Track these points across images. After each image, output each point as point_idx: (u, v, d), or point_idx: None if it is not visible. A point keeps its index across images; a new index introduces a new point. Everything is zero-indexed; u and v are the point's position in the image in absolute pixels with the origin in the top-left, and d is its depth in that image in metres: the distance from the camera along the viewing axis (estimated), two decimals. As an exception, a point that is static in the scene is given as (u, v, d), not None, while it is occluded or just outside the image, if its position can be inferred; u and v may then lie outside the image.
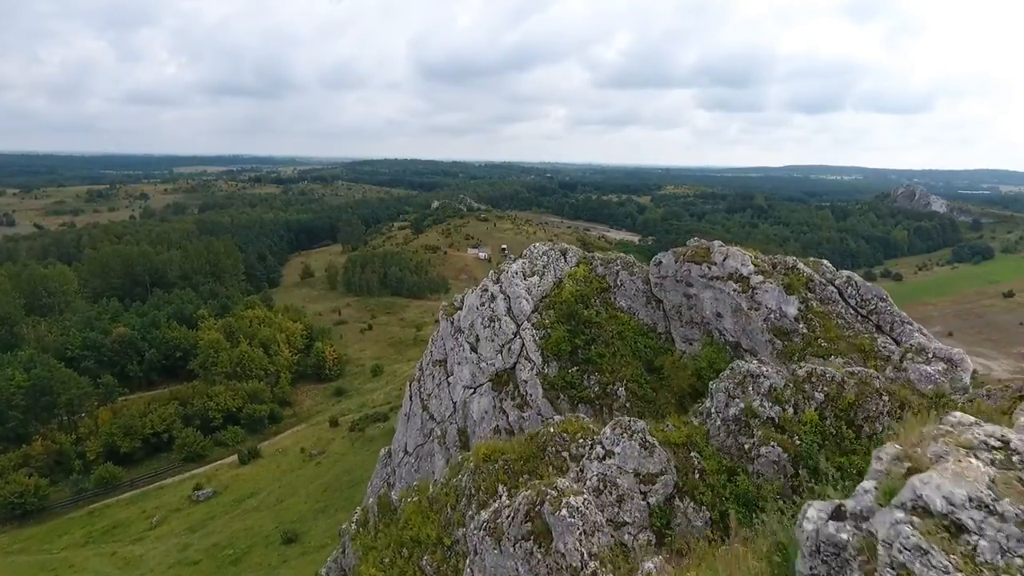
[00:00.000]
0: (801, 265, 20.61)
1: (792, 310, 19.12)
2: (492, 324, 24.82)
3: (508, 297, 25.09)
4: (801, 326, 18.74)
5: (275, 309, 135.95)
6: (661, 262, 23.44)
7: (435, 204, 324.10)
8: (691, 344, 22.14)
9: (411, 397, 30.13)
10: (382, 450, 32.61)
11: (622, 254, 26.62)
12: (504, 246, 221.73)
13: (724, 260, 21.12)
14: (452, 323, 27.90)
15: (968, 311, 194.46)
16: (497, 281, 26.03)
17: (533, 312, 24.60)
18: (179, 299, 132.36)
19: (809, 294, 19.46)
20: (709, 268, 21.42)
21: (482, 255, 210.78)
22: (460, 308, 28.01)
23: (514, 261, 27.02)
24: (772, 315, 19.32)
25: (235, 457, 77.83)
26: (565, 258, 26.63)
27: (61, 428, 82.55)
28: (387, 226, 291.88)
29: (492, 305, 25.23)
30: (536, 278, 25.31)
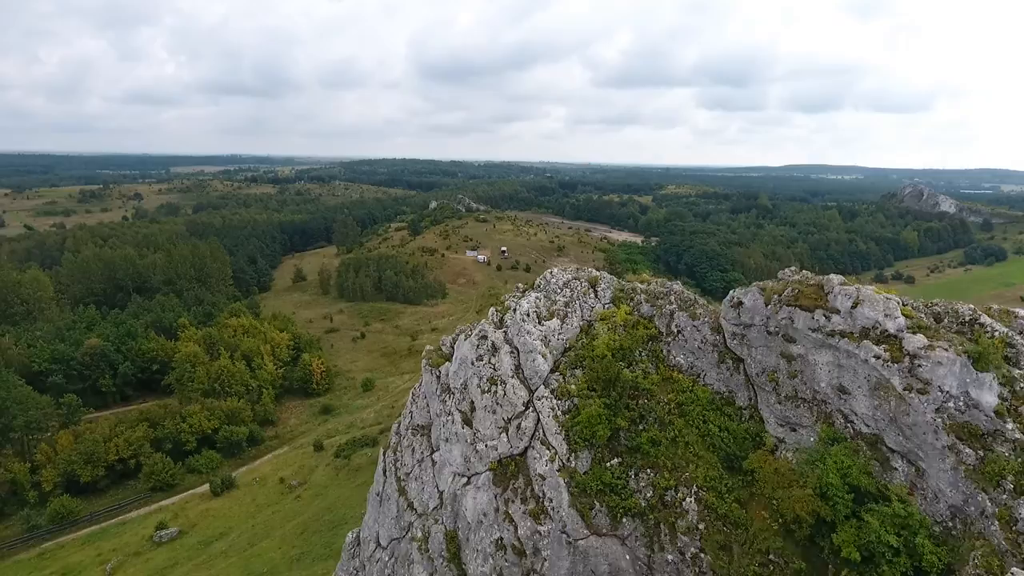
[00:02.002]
0: (986, 318, 13.12)
1: (989, 398, 11.70)
2: (493, 389, 17.36)
3: (516, 350, 17.61)
4: (1010, 426, 11.32)
5: (261, 317, 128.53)
6: (742, 303, 15.94)
7: (433, 204, 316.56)
8: (794, 431, 14.69)
9: (385, 472, 22.63)
10: (349, 535, 25.14)
11: (676, 285, 19.09)
12: (503, 248, 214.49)
13: (854, 307, 13.64)
14: (438, 378, 20.41)
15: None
16: (500, 325, 18.54)
17: (553, 373, 17.13)
18: (159, 306, 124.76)
19: (1015, 371, 12.01)
20: (827, 318, 13.94)
21: (481, 258, 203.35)
22: (450, 358, 20.51)
23: (523, 294, 19.54)
24: (952, 404, 11.88)
25: (207, 486, 70.32)
26: (595, 292, 19.12)
27: (17, 454, 74.95)
28: (383, 227, 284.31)
29: (493, 360, 17.76)
30: (556, 321, 17.82)
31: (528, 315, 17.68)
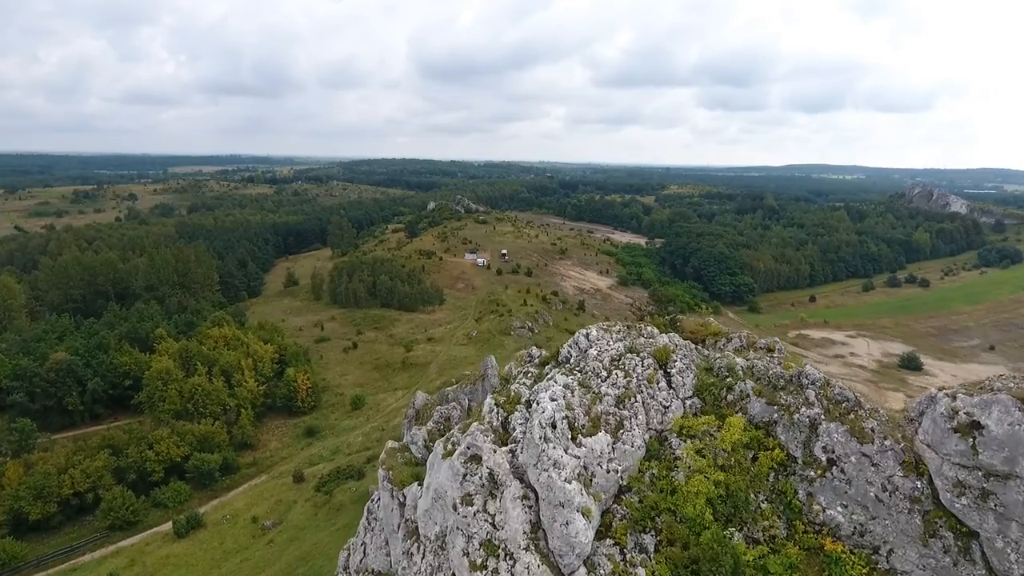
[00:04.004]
0: None
1: None
2: (492, 565, 9.50)
3: (530, 491, 9.77)
4: None
5: (247, 326, 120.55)
6: (981, 426, 8.04)
7: (431, 205, 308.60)
8: None
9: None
10: None
11: (809, 367, 11.18)
12: (504, 251, 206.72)
13: None
14: (401, 505, 12.54)
15: (1007, 321, 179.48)
16: (505, 440, 10.71)
17: (603, 540, 9.30)
18: (137, 315, 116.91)
19: None
20: None
21: (480, 261, 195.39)
22: (420, 467, 12.65)
23: (542, 372, 11.75)
24: None
25: (171, 525, 62.49)
26: (668, 376, 11.24)
27: (-39, 487, 67.11)
28: (380, 228, 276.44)
29: (491, 508, 9.91)
30: (604, 438, 9.96)
31: (554, 427, 9.83)
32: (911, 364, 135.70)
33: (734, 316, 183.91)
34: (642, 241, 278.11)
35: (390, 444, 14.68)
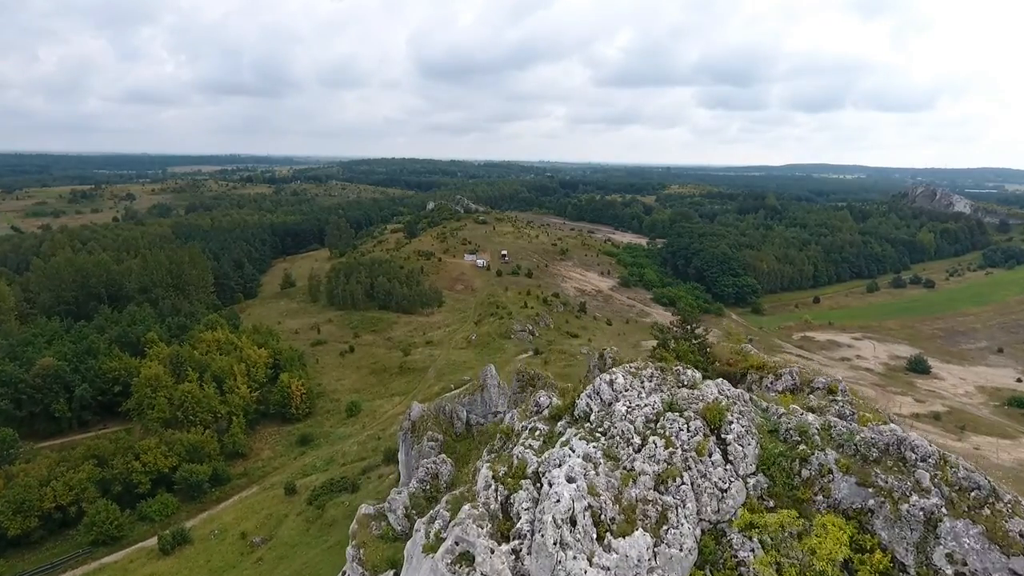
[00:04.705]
0: None
1: None
2: None
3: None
4: None
5: (241, 329, 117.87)
6: None
7: (430, 205, 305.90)
8: None
9: None
10: None
11: (911, 434, 8.45)
12: (504, 252, 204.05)
13: None
14: (375, 598, 9.85)
15: (1015, 323, 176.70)
16: (506, 530, 7.97)
17: None
18: (128, 318, 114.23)
19: None
20: None
21: (480, 263, 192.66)
22: (398, 543, 9.98)
23: (554, 428, 9.03)
24: None
25: (157, 540, 59.84)
26: (723, 444, 8.50)
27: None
28: (379, 229, 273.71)
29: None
30: (641, 539, 7.19)
31: (574, 524, 7.15)
32: (918, 367, 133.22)
33: (737, 318, 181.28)
34: (643, 241, 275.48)
35: (364, 509, 12.03)
